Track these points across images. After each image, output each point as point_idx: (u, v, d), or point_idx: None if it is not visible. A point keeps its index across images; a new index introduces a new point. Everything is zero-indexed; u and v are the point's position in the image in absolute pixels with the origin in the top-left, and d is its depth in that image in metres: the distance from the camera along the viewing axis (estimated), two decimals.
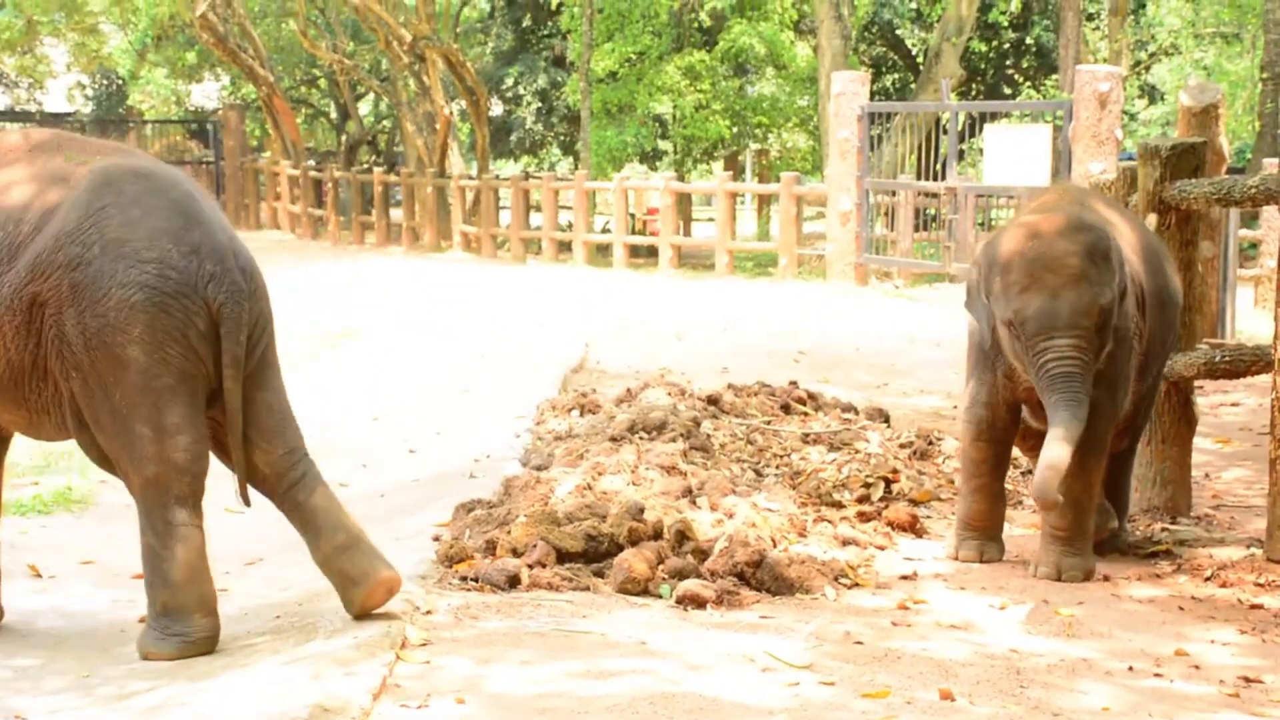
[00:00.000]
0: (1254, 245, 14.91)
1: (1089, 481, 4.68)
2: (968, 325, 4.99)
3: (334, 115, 32.92)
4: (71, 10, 24.02)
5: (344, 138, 30.60)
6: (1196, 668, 3.80)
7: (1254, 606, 4.36)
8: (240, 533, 5.57)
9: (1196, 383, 5.68)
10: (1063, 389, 4.47)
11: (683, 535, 4.75)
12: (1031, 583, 4.67)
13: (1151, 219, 5.37)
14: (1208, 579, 4.64)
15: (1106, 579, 4.72)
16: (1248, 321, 11.35)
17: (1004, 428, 4.92)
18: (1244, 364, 5.15)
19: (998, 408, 4.87)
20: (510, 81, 28.05)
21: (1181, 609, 4.37)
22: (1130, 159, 6.17)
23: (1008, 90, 27.73)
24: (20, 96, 33.75)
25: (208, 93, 32.81)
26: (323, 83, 31.74)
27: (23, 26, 24.28)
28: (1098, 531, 4.91)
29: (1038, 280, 4.51)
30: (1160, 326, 4.92)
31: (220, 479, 6.29)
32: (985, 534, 5.01)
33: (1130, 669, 3.77)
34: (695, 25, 23.68)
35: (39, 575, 4.80)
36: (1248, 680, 3.68)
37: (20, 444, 6.77)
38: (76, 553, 5.09)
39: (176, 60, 28.19)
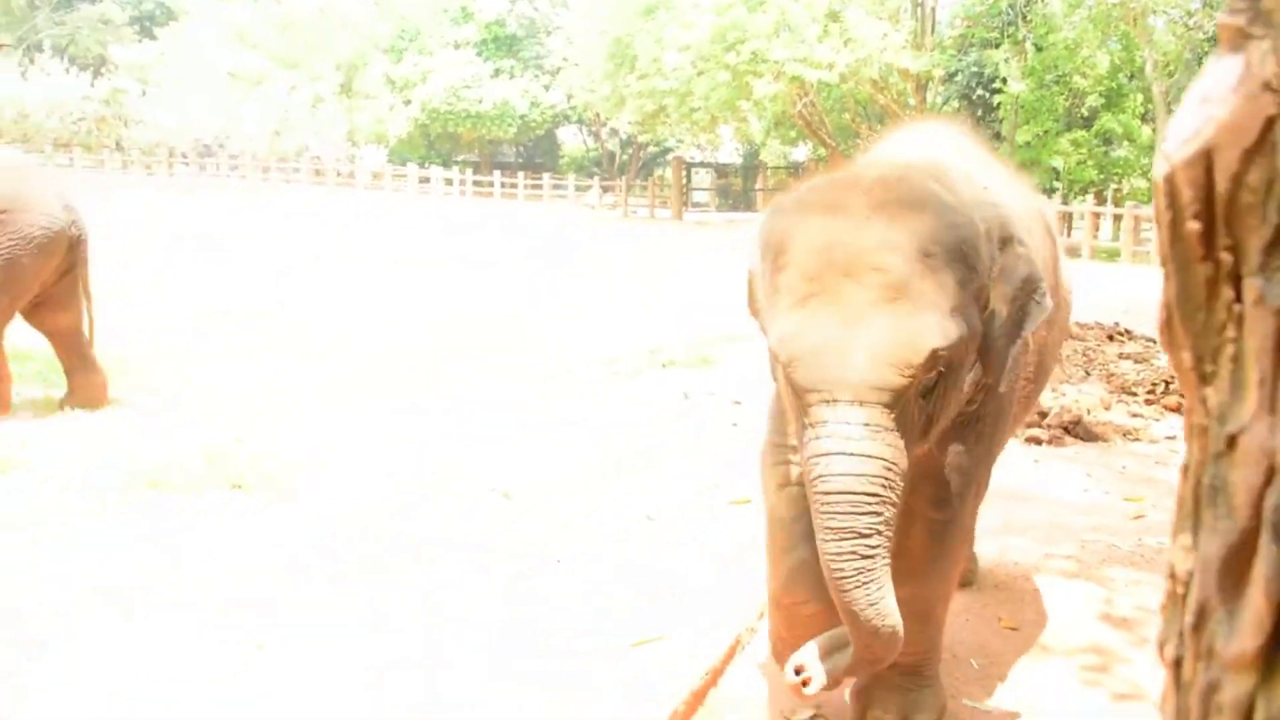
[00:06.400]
0: None
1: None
2: None
3: None
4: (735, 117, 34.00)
5: None
6: None
7: None
8: None
9: None
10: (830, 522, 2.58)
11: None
12: None
13: None
14: None
15: None
16: None
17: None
18: None
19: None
20: None
21: None
22: None
23: None
24: (696, 154, 45.41)
25: (801, 153, 43.42)
26: None
27: (709, 122, 35.28)
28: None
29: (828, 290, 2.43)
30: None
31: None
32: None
33: None
34: (1080, 114, 31.26)
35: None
36: None
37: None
38: None
39: (781, 135, 39.93)
